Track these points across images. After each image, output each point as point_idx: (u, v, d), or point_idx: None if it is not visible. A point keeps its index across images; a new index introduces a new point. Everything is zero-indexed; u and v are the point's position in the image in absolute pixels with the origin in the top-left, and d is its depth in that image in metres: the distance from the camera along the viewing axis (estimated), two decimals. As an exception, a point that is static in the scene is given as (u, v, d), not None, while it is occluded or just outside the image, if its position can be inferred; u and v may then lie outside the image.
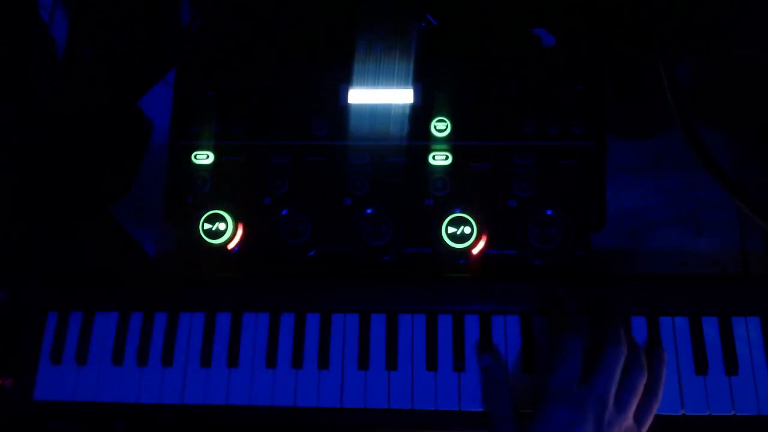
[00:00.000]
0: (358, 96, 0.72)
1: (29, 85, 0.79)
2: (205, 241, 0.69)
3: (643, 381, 0.59)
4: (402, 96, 0.72)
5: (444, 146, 0.71)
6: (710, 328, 0.65)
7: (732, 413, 0.62)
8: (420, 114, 0.72)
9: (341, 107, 0.72)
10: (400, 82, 0.72)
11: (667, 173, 0.78)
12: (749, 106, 0.78)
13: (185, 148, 0.73)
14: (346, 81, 0.72)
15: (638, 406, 0.59)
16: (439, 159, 0.71)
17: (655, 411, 0.60)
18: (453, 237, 0.68)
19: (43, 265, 0.77)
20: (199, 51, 0.85)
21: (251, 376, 0.66)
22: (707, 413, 0.63)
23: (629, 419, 0.58)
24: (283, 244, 0.70)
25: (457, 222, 0.68)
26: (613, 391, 0.58)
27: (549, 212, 0.68)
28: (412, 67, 0.72)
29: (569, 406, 0.56)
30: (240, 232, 0.70)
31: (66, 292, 0.69)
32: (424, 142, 0.71)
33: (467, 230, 0.68)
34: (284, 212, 0.70)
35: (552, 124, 0.70)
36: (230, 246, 0.70)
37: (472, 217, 0.68)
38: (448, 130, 0.71)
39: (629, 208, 0.77)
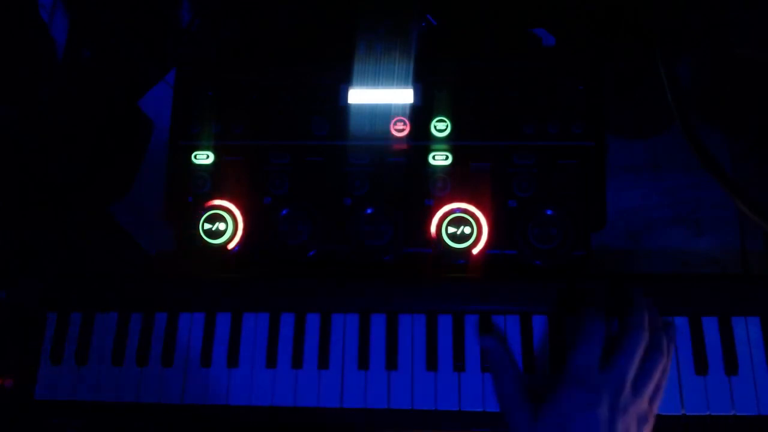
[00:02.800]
0: (358, 96, 0.72)
1: (29, 85, 0.78)
2: (205, 241, 0.69)
3: (661, 366, 0.60)
4: (402, 96, 0.72)
5: (444, 146, 0.71)
6: (710, 328, 0.65)
7: (732, 413, 0.62)
8: (420, 114, 0.72)
9: (341, 107, 0.72)
10: (400, 82, 0.72)
11: (667, 173, 0.78)
12: (749, 106, 0.78)
13: (185, 148, 0.73)
14: (346, 81, 0.72)
15: None
16: (439, 159, 0.71)
17: (663, 390, 0.61)
18: (453, 237, 0.68)
19: (43, 265, 0.76)
20: (199, 51, 0.85)
21: (251, 376, 0.66)
22: (707, 413, 0.63)
23: (644, 402, 0.58)
24: (283, 244, 0.70)
25: (457, 222, 0.68)
26: (631, 375, 0.58)
27: (549, 212, 0.68)
28: (412, 67, 0.72)
29: (587, 387, 0.56)
30: (240, 232, 0.70)
31: (66, 292, 0.69)
32: (424, 142, 0.71)
33: (467, 230, 0.68)
34: (284, 212, 0.70)
35: (552, 124, 0.70)
36: (230, 246, 0.70)
37: (472, 217, 0.68)
38: (448, 130, 0.71)
39: (629, 208, 0.77)
